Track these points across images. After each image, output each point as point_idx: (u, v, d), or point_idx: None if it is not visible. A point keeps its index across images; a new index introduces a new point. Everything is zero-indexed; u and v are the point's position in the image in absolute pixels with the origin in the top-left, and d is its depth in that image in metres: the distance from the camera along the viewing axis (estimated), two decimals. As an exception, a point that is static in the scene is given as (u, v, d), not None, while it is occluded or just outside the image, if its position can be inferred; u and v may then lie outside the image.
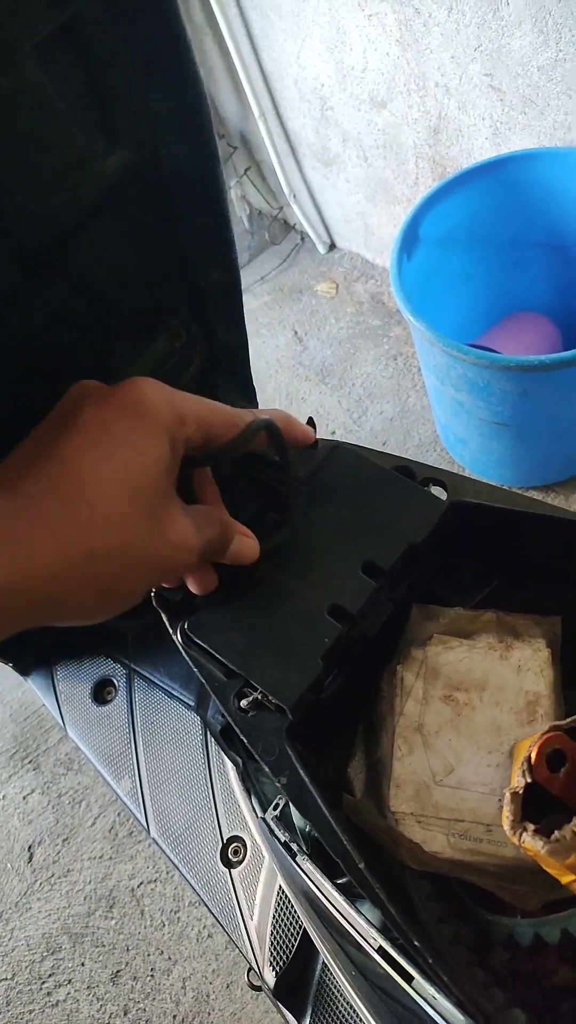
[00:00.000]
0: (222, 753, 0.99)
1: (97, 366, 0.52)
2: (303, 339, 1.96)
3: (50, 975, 1.31)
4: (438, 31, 1.37)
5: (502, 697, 0.52)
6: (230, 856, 0.97)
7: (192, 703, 1.05)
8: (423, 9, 1.36)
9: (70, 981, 1.30)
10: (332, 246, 2.14)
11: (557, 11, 1.19)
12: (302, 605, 0.50)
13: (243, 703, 0.50)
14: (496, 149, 1.46)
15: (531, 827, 0.41)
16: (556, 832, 0.40)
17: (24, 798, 1.48)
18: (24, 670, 1.21)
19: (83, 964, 1.31)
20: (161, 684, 1.11)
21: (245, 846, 0.98)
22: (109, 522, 0.36)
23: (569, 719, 0.43)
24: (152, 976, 1.28)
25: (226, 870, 0.96)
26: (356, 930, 0.53)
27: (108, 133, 0.45)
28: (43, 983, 1.30)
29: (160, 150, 0.47)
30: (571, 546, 0.56)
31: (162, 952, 1.29)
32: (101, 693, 1.18)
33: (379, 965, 0.49)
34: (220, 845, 0.98)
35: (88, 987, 1.29)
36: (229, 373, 0.60)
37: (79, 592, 0.36)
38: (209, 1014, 1.23)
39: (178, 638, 0.53)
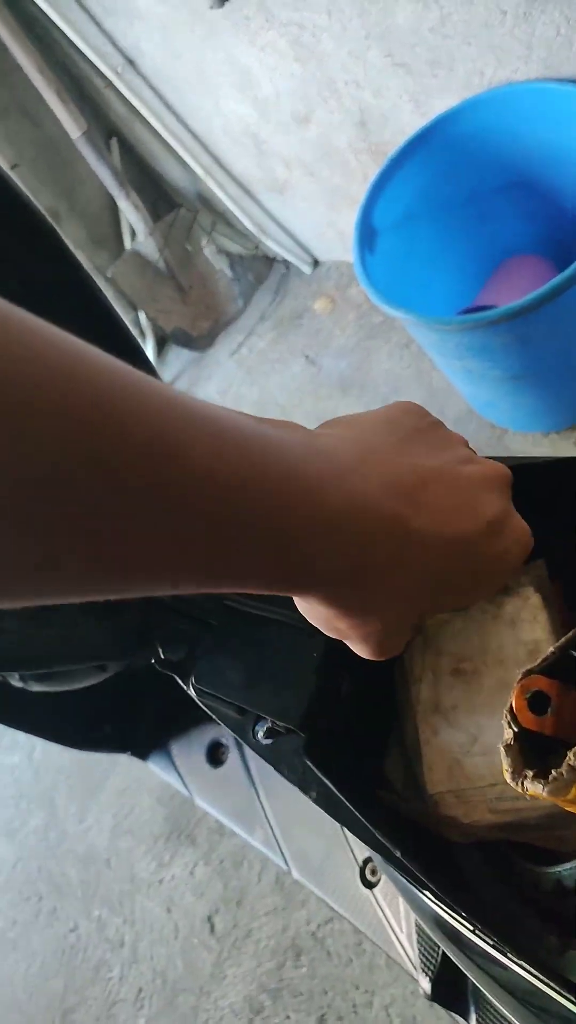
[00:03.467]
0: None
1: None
2: (316, 360, 1.99)
3: (262, 1034, 1.34)
4: (327, 36, 1.40)
5: (504, 655, 0.52)
6: (369, 877, 0.98)
7: (302, 740, 1.07)
8: (306, 22, 1.39)
9: (281, 1036, 1.32)
10: (316, 263, 2.17)
11: (425, -27, 1.19)
12: (285, 630, 0.52)
13: (259, 735, 0.52)
14: (423, 118, 1.45)
15: (529, 773, 0.41)
16: (552, 772, 0.40)
17: (191, 873, 1.53)
18: (142, 755, 1.27)
19: (288, 1017, 1.33)
20: (267, 729, 1.12)
21: (382, 864, 0.98)
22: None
23: (540, 660, 0.43)
24: (356, 1012, 1.28)
25: (368, 892, 0.97)
26: (459, 921, 0.54)
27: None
28: (257, 1044, 1.33)
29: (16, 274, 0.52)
30: (533, 489, 0.55)
31: (358, 987, 1.30)
32: (216, 755, 1.22)
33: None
34: (358, 869, 0.99)
35: (299, 1037, 1.31)
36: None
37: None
38: (420, 1036, 1.22)
39: (191, 692, 0.57)
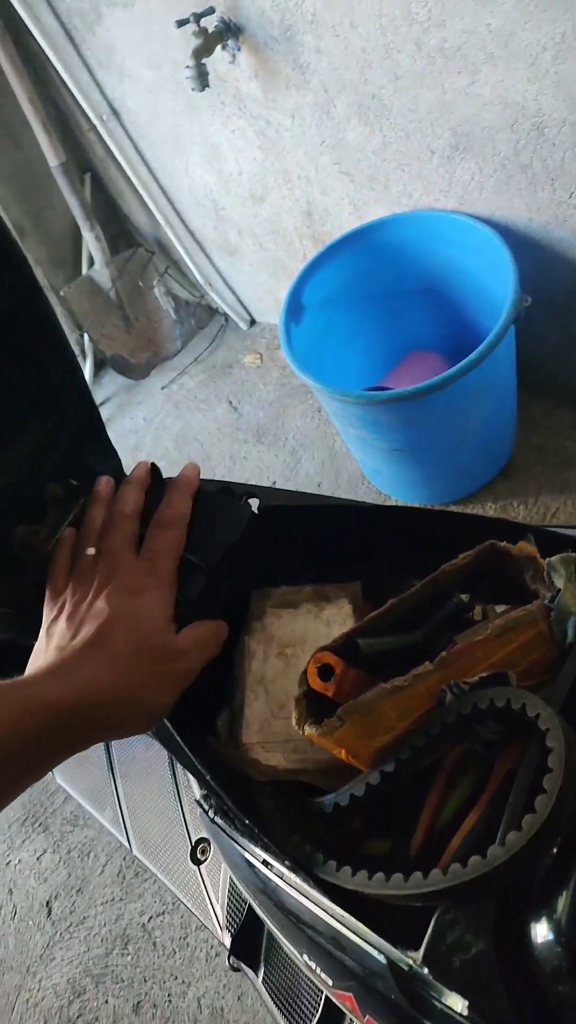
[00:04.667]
0: (186, 771, 1.14)
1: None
2: (237, 407, 2.18)
3: (78, 1016, 1.42)
4: (288, 135, 1.62)
5: (317, 645, 0.69)
6: (198, 855, 1.11)
7: (159, 733, 1.20)
8: (272, 120, 1.61)
9: (97, 1019, 1.41)
10: (252, 322, 2.38)
11: (373, 106, 1.43)
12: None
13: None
14: (359, 220, 1.69)
15: (309, 720, 0.57)
16: (325, 720, 0.57)
17: (38, 859, 1.61)
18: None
19: (107, 1001, 1.42)
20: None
21: (211, 845, 1.12)
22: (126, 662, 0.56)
23: (333, 640, 0.60)
24: (170, 1001, 1.39)
25: (195, 868, 1.10)
26: (246, 851, 0.68)
27: None
28: (73, 1024, 1.41)
29: None
30: (360, 527, 0.73)
31: (176, 977, 1.40)
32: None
33: (302, 908, 0.63)
34: (189, 848, 1.12)
35: (114, 1021, 1.40)
36: (93, 444, 0.79)
37: (122, 707, 0.54)
38: (225, 1025, 1.34)
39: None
